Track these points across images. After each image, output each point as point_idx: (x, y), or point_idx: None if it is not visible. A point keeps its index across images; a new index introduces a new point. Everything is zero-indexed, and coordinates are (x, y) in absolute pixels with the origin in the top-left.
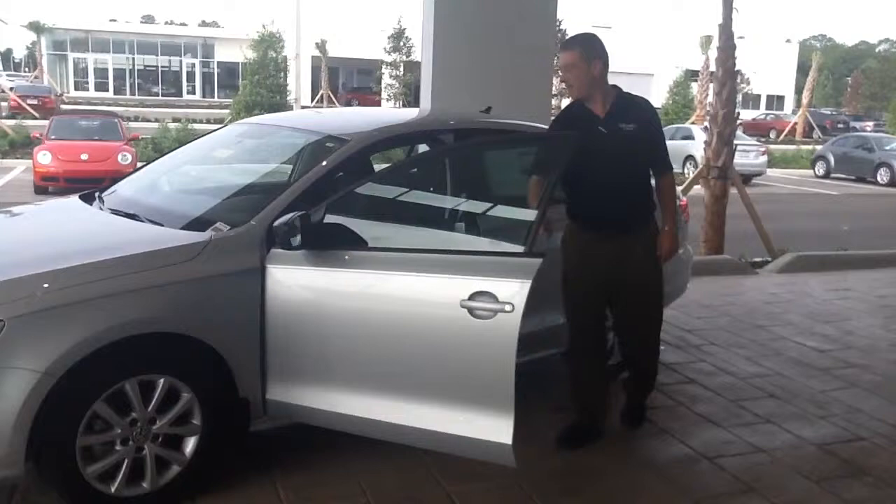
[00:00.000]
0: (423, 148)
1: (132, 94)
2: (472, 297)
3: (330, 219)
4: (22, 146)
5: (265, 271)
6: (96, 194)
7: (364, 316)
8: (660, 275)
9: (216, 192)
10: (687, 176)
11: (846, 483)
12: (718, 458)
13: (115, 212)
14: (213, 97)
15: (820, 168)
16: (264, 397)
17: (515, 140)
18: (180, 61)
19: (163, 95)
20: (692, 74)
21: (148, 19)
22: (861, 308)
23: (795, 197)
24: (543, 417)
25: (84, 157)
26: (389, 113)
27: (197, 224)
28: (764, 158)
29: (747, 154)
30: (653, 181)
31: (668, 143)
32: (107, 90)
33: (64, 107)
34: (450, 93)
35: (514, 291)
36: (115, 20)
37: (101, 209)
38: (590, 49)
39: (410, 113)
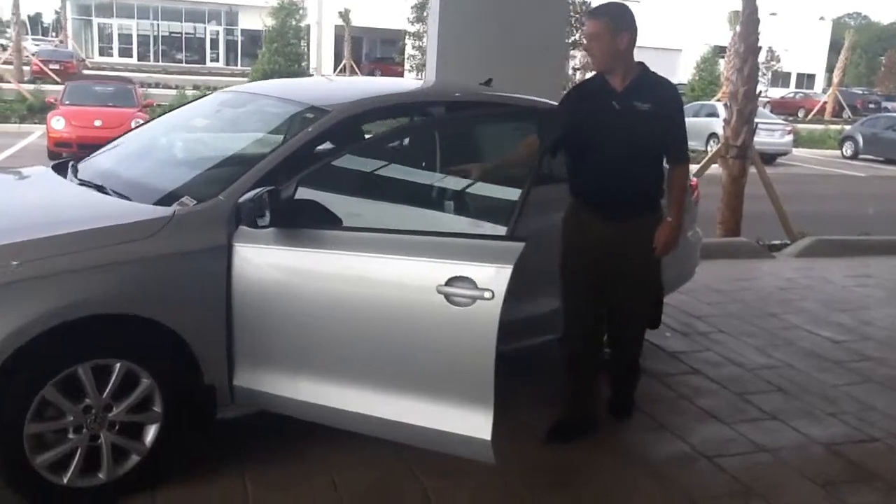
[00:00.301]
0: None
1: (156, 60)
2: (449, 282)
3: (303, 195)
4: (40, 111)
5: (232, 250)
6: (70, 164)
7: (335, 300)
8: (656, 268)
9: (190, 165)
10: (710, 153)
11: (854, 488)
12: (718, 458)
13: (84, 183)
14: (236, 65)
15: (848, 149)
16: (231, 384)
17: (502, 114)
18: (204, 28)
19: (186, 62)
20: (720, 51)
21: None
22: (881, 296)
23: (820, 178)
24: (534, 410)
25: (97, 123)
26: (381, 83)
27: (165, 198)
28: (789, 137)
29: (772, 133)
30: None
31: (692, 119)
32: (131, 56)
33: (86, 72)
34: (457, 65)
35: (493, 277)
36: None
37: (71, 180)
38: (618, 20)
39: (404, 83)
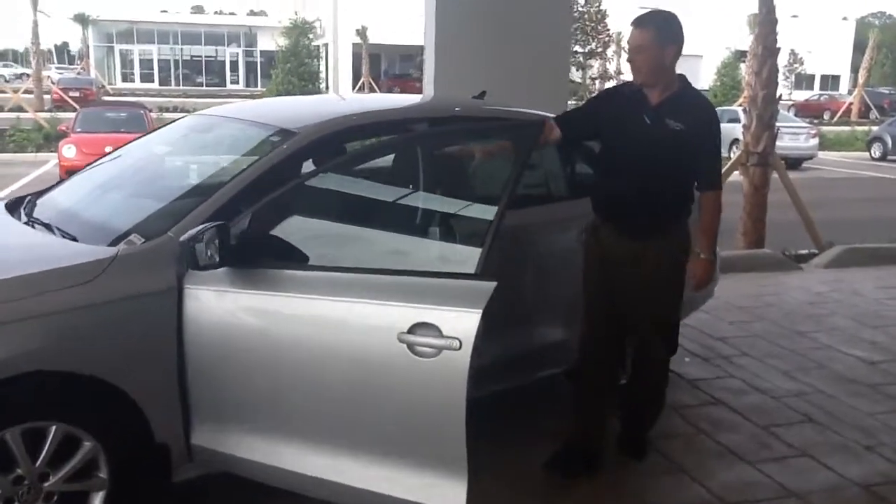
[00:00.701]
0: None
1: (177, 84)
2: (412, 329)
3: (261, 228)
4: (56, 139)
5: (183, 293)
6: (27, 199)
7: (290, 350)
8: (678, 289)
9: (147, 198)
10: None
11: None
12: None
13: (32, 222)
14: (256, 86)
15: (876, 150)
16: (189, 442)
17: (487, 130)
18: (224, 51)
19: (207, 85)
20: (741, 55)
21: (197, 10)
22: None
23: (848, 182)
24: (534, 450)
25: (108, 149)
26: (366, 100)
27: (112, 236)
28: (815, 141)
29: (797, 137)
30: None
31: None
32: (152, 81)
33: (106, 98)
34: (453, 79)
35: (460, 324)
36: (165, 11)
37: (18, 219)
38: (666, 31)
39: (389, 100)
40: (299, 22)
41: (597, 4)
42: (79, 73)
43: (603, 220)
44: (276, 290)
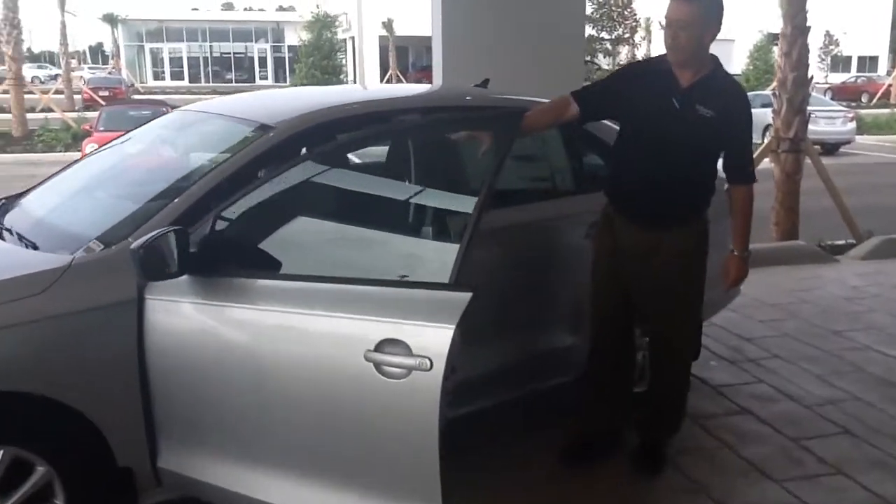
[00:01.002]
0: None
1: (206, 81)
2: (379, 346)
3: (232, 233)
4: (83, 138)
5: (144, 304)
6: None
7: (253, 369)
8: (699, 285)
9: (117, 201)
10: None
11: None
12: None
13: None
14: (285, 81)
15: None
16: (155, 465)
17: (483, 119)
18: (252, 47)
19: (236, 82)
20: (774, 38)
21: (227, 7)
22: None
23: (888, 167)
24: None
25: None
26: (354, 91)
27: (76, 244)
28: (852, 125)
29: (833, 121)
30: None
31: None
32: (182, 79)
33: (136, 97)
34: (461, 69)
35: (432, 340)
36: (196, 9)
37: None
38: (711, 9)
39: (381, 91)
40: (321, 15)
41: None
42: (110, 73)
43: (617, 209)
44: (240, 301)
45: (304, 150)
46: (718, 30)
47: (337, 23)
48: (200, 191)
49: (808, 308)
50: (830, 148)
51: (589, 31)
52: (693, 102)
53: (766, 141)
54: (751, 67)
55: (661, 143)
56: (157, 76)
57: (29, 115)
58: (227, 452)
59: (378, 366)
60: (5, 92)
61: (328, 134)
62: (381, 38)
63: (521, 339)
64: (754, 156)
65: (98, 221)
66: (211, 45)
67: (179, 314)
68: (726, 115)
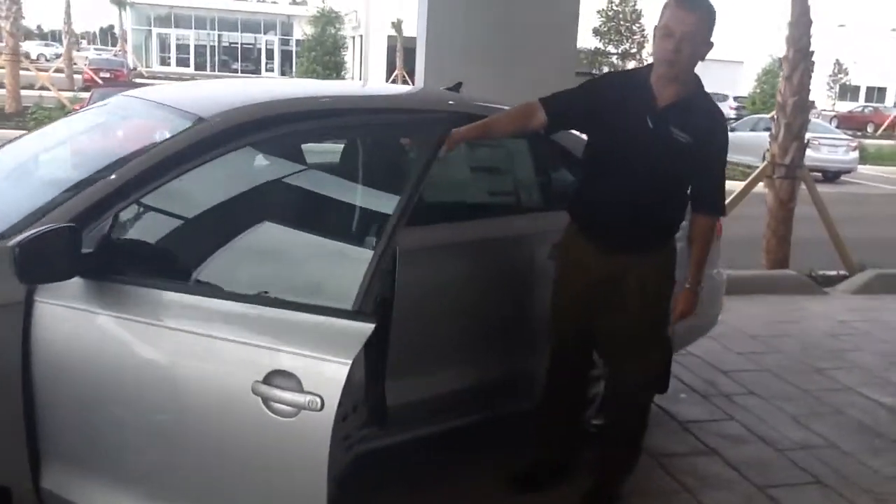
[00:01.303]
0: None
1: (212, 70)
2: (268, 378)
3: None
4: None
5: (32, 308)
6: None
7: (138, 389)
8: (664, 316)
9: (27, 195)
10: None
11: None
12: None
13: None
14: (291, 74)
15: None
16: (38, 485)
17: (407, 123)
18: (261, 38)
19: (242, 72)
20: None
21: None
22: None
23: (887, 198)
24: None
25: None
26: (309, 85)
27: None
28: (855, 154)
29: (836, 149)
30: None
31: (748, 134)
32: (188, 66)
33: (138, 80)
34: (444, 69)
35: (325, 376)
36: None
37: None
38: (711, 23)
39: (335, 87)
40: (326, 11)
41: (632, 4)
42: (115, 55)
43: (580, 232)
44: (132, 313)
45: (232, 148)
46: (711, 46)
47: (345, 20)
48: (109, 186)
49: (790, 342)
50: (831, 176)
51: (596, 44)
52: (668, 124)
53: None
54: (758, 91)
55: (629, 163)
56: (164, 62)
57: (25, 92)
58: (115, 478)
59: (266, 400)
60: (1, 67)
61: (262, 130)
62: (389, 37)
63: (477, 362)
64: (749, 179)
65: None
66: (220, 35)
67: (70, 321)
68: (704, 141)
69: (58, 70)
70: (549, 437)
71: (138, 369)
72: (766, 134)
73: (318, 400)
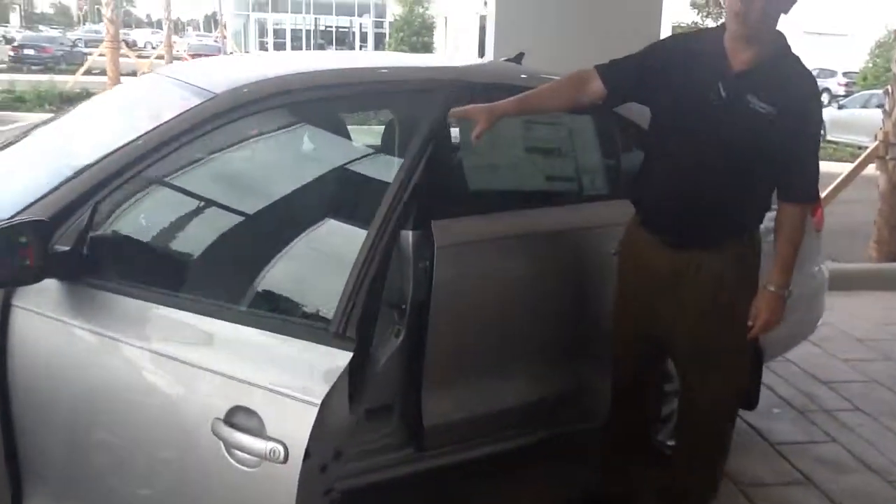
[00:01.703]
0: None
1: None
2: (230, 414)
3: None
4: None
5: (9, 313)
6: None
7: (107, 414)
8: (741, 321)
9: (27, 184)
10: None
11: None
12: None
13: None
14: None
15: None
16: None
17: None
18: (356, 21)
19: None
20: None
21: None
22: None
23: None
24: None
25: None
26: (334, 58)
27: None
28: None
29: None
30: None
31: (858, 111)
32: (284, 49)
33: None
34: (516, 43)
35: (290, 420)
36: None
37: None
38: None
39: (372, 59)
40: None
41: None
42: (215, 41)
43: (646, 224)
44: (102, 326)
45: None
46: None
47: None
48: (99, 174)
49: None
50: None
51: (693, 17)
52: (744, 92)
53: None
54: (870, 65)
55: (697, 141)
56: (262, 46)
57: (127, 80)
58: None
59: (226, 444)
60: (102, 55)
61: (282, 104)
62: (481, 17)
63: (531, 375)
64: (858, 161)
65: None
66: (315, 18)
67: (47, 330)
68: (789, 112)
69: (159, 56)
70: (615, 461)
71: (109, 393)
72: (879, 111)
73: (281, 449)
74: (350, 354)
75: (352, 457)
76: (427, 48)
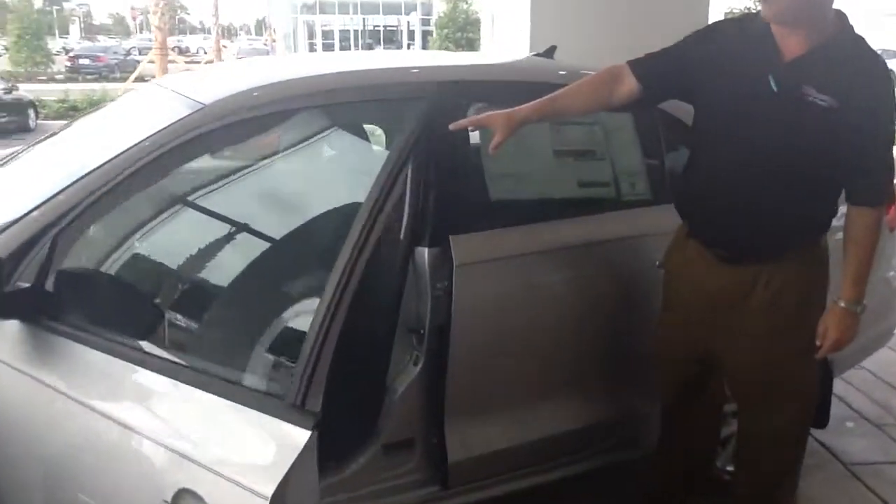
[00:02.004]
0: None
1: None
2: (176, 498)
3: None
4: None
5: None
6: None
7: (74, 479)
8: (807, 340)
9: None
10: None
11: None
12: None
13: None
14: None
15: None
16: None
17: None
18: (403, 20)
19: None
20: None
21: None
22: None
23: None
24: None
25: None
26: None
27: None
28: None
29: None
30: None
31: None
32: (332, 50)
33: None
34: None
35: None
36: None
37: None
38: None
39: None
40: None
41: None
42: (265, 44)
43: (694, 236)
44: (58, 379)
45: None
46: None
47: None
48: (73, 197)
49: None
50: None
51: (747, 3)
52: (799, 82)
53: None
54: None
55: (747, 140)
56: (311, 48)
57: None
58: None
59: None
60: (152, 62)
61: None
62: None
63: (570, 404)
64: None
65: None
66: (363, 18)
67: (7, 380)
68: (854, 102)
69: (209, 62)
70: (667, 493)
71: (57, 454)
72: None
73: None
74: (306, 433)
75: (370, 495)
76: (472, 45)
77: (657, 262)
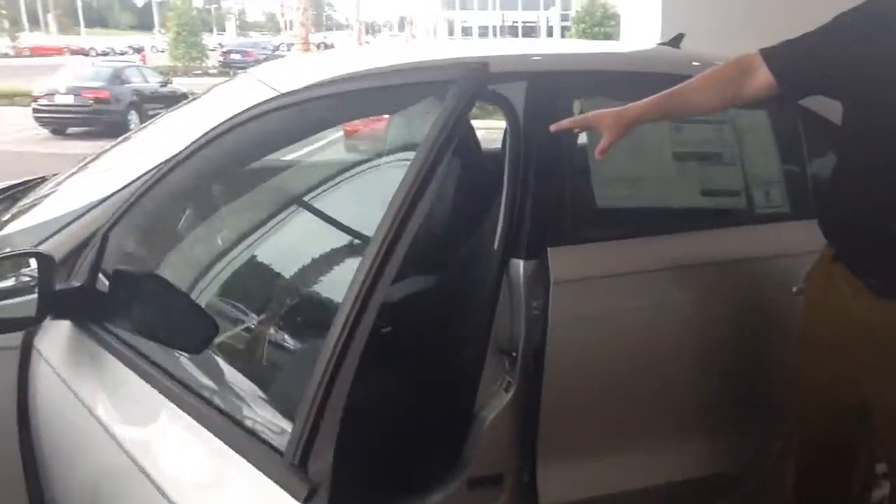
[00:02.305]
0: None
1: None
2: None
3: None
4: None
5: (31, 354)
6: None
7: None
8: None
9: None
10: None
11: None
12: None
13: None
14: None
15: None
16: None
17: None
18: (542, 15)
19: None
20: None
21: None
22: None
23: None
24: None
25: None
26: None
27: None
28: None
29: None
30: None
31: None
32: None
33: None
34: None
35: None
36: None
37: None
38: None
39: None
40: None
41: None
42: (406, 40)
43: (836, 256)
44: (88, 394)
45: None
46: None
47: None
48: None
49: None
50: None
51: None
52: None
53: None
54: None
55: None
56: None
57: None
58: None
59: None
60: None
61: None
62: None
63: (685, 449)
64: None
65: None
66: (503, 14)
67: (52, 386)
68: None
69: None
70: None
71: (96, 474)
72: None
73: None
74: None
75: None
76: (608, 38)
77: (794, 289)
